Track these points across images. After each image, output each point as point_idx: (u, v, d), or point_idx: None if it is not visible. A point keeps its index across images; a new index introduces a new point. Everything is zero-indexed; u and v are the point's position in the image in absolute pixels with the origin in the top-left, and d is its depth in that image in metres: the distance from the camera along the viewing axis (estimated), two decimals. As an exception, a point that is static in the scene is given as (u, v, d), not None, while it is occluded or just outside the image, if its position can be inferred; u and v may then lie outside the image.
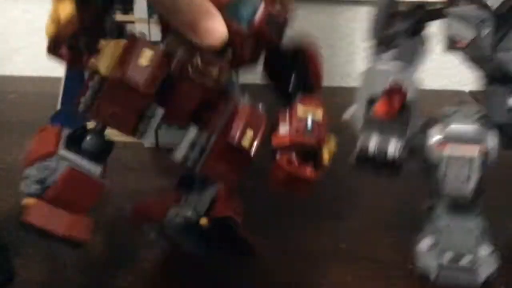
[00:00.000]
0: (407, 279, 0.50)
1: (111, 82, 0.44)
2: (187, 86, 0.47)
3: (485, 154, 0.47)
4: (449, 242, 0.50)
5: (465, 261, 0.50)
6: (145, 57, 0.43)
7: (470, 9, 0.44)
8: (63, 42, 0.47)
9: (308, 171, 0.48)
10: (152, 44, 0.45)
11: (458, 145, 0.47)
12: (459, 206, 0.50)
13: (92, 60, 0.45)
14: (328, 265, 0.51)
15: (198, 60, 0.45)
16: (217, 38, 0.41)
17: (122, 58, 0.43)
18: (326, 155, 0.48)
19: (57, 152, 0.44)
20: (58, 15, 0.46)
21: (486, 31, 0.44)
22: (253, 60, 0.49)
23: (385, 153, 0.47)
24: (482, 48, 0.45)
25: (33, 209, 0.42)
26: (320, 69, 0.51)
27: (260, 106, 0.49)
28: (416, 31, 0.49)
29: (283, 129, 0.48)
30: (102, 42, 0.45)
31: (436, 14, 0.47)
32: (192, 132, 0.48)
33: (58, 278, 0.47)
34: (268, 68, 0.52)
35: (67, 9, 0.46)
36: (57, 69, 0.99)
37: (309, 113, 0.48)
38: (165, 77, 0.46)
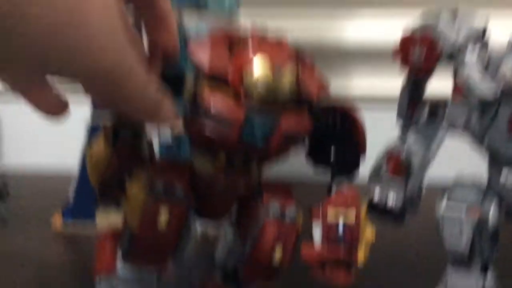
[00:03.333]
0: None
1: (139, 242, 0.46)
2: (216, 196, 0.48)
3: (482, 219, 0.53)
4: None
5: None
6: (163, 219, 0.45)
7: (462, 101, 0.53)
8: (111, 184, 0.49)
9: (341, 277, 0.48)
10: (167, 196, 0.45)
11: (455, 207, 0.54)
12: (461, 263, 0.55)
13: (123, 208, 0.47)
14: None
15: (222, 179, 0.46)
16: (176, 125, 0.41)
17: (143, 219, 0.45)
18: (361, 255, 0.48)
19: (116, 271, 0.49)
20: (95, 158, 0.49)
21: (475, 118, 0.52)
22: (282, 155, 0.48)
23: (385, 203, 0.54)
24: (473, 131, 0.53)
25: None
26: (364, 136, 0.49)
27: (289, 213, 0.48)
28: (434, 117, 0.56)
29: (316, 233, 0.48)
30: (127, 188, 0.46)
31: (444, 105, 0.55)
32: (228, 236, 0.50)
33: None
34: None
35: (101, 147, 0.49)
36: (66, 166, 1.02)
37: (340, 216, 0.48)
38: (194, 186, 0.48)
